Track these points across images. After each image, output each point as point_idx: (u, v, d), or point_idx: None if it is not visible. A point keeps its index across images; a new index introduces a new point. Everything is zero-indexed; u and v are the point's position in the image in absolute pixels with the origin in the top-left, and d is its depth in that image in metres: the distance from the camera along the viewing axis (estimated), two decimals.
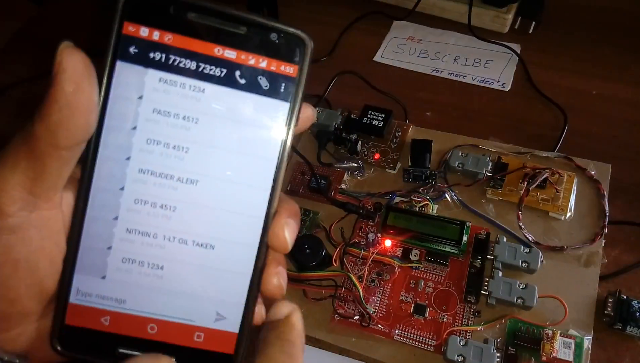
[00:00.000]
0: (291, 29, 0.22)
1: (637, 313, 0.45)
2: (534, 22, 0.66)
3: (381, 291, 0.49)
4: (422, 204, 0.52)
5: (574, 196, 0.51)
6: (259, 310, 0.24)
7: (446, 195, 0.53)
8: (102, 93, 0.21)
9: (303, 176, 0.56)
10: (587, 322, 0.45)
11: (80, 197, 0.22)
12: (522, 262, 0.47)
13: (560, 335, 0.43)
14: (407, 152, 0.56)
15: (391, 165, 0.56)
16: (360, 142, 0.57)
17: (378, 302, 0.48)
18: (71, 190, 0.22)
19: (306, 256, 0.49)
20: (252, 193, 0.23)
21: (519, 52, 0.65)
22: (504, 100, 0.61)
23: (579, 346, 0.44)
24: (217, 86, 0.22)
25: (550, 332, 0.44)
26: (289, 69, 0.23)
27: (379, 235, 0.51)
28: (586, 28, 0.67)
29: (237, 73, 0.22)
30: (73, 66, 0.19)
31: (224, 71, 0.22)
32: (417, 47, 0.68)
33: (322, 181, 0.54)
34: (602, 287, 0.47)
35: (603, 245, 0.49)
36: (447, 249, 0.49)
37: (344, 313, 0.48)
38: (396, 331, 0.46)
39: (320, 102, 0.61)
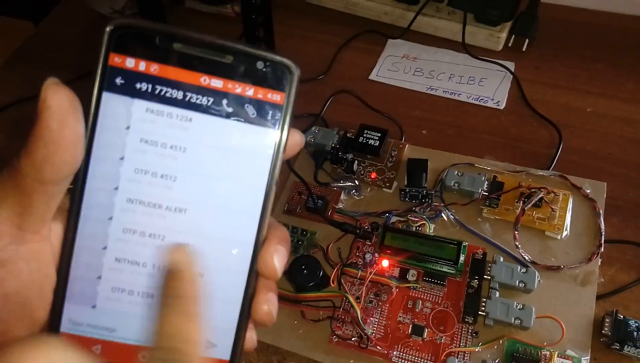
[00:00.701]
0: (277, 57, 0.23)
1: (635, 333, 0.45)
2: (527, 40, 0.67)
3: (379, 312, 0.49)
4: (419, 223, 0.52)
5: (570, 215, 0.52)
6: (250, 337, 0.24)
7: (442, 214, 0.53)
8: (90, 124, 0.22)
9: (300, 195, 0.57)
10: (584, 342, 0.45)
11: (69, 227, 0.22)
12: (519, 282, 0.47)
13: (557, 356, 0.43)
14: (403, 171, 0.57)
15: (387, 184, 0.56)
16: (356, 161, 0.57)
17: (376, 323, 0.48)
18: (60, 221, 0.22)
19: (304, 277, 0.49)
20: (241, 220, 0.23)
21: (513, 70, 0.65)
22: (498, 118, 0.62)
23: None
24: (204, 115, 0.22)
25: (548, 352, 0.44)
26: (276, 97, 0.23)
27: (376, 255, 0.51)
28: (580, 45, 0.68)
29: (224, 102, 0.22)
30: (58, 102, 0.20)
31: (211, 100, 0.22)
32: (412, 65, 0.68)
33: (319, 200, 0.54)
34: (599, 306, 0.47)
35: (599, 264, 0.49)
36: (445, 269, 0.49)
37: (342, 334, 0.48)
38: (394, 352, 0.46)
39: (316, 121, 0.62)
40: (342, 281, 0.50)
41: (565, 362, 0.43)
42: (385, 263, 0.51)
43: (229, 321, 0.24)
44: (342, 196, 0.56)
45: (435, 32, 0.70)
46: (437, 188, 0.55)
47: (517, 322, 0.45)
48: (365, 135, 0.58)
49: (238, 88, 0.22)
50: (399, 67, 0.68)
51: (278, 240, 0.24)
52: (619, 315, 0.46)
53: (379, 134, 0.58)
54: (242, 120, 0.23)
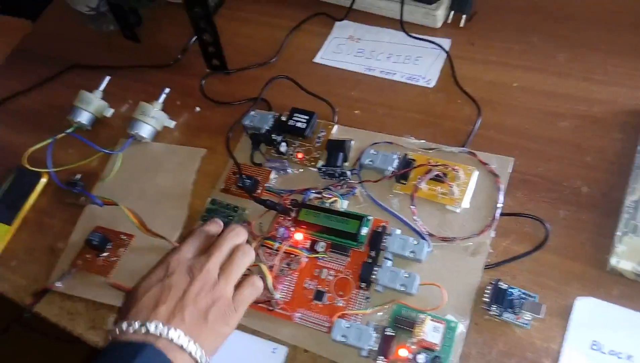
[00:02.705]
0: None
1: (515, 301, 0.49)
2: (464, 16, 0.68)
3: (289, 279, 0.55)
4: (332, 200, 0.57)
5: (473, 189, 0.55)
6: None
7: (356, 191, 0.58)
8: None
9: (235, 175, 0.63)
10: (465, 308, 0.50)
11: None
12: (409, 252, 0.51)
13: (430, 320, 0.48)
14: None
15: (313, 163, 0.61)
16: (285, 143, 0.62)
17: (285, 289, 0.54)
18: None
19: None
20: None
21: (447, 48, 0.67)
22: (427, 96, 0.65)
23: (452, 329, 0.48)
24: None
25: (423, 316, 0.48)
26: None
27: (291, 229, 0.57)
28: (519, 18, 0.68)
29: None
30: None
31: None
32: (355, 46, 0.71)
33: (248, 180, 0.61)
34: (490, 276, 0.51)
35: (493, 235, 0.53)
36: (348, 241, 0.54)
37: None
38: (297, 314, 0.53)
39: (254, 106, 0.67)
40: (261, 252, 0.56)
41: (438, 325, 0.48)
42: (299, 236, 0.56)
43: None
44: (272, 175, 0.62)
45: (379, 12, 0.73)
46: (357, 166, 0.59)
47: (402, 288, 0.50)
48: (294, 118, 0.63)
49: None
50: (342, 49, 0.72)
51: None
52: (500, 283, 0.49)
53: (307, 117, 0.63)
54: None
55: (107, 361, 0.41)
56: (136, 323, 0.42)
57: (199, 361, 0.42)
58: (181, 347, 0.42)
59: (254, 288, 0.49)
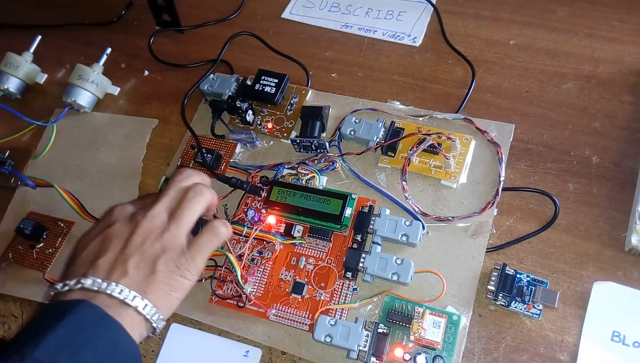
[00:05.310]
0: None
1: (525, 288, 0.42)
2: None
3: (261, 270, 0.47)
4: (309, 176, 0.49)
5: (470, 161, 0.48)
6: None
7: (337, 165, 0.50)
8: None
9: (193, 149, 0.54)
10: (467, 298, 0.43)
11: None
12: (401, 236, 0.44)
13: (429, 314, 0.41)
14: None
15: (285, 135, 0.53)
16: (251, 111, 0.54)
17: (257, 282, 0.46)
18: None
19: None
20: None
21: (434, 1, 0.59)
22: (412, 56, 0.57)
23: (455, 324, 0.41)
24: None
25: (422, 309, 0.41)
26: None
27: (262, 211, 0.49)
28: None
29: None
30: None
31: None
32: (329, 0, 0.62)
33: (209, 154, 0.52)
34: (493, 260, 0.45)
35: (495, 213, 0.46)
36: (330, 224, 0.47)
37: (222, 294, 0.46)
38: (272, 311, 0.45)
39: (214, 69, 0.57)
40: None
41: (438, 320, 0.41)
42: (271, 219, 0.48)
43: None
44: (238, 149, 0.53)
45: None
46: (336, 136, 0.51)
47: (395, 277, 0.43)
48: (262, 82, 0.54)
49: None
50: (315, 3, 0.63)
51: None
52: (507, 268, 0.43)
53: (277, 80, 0.54)
54: None
55: (31, 326, 0.33)
56: (72, 281, 0.35)
57: (149, 318, 0.35)
58: (123, 302, 0.35)
59: (214, 234, 0.40)
